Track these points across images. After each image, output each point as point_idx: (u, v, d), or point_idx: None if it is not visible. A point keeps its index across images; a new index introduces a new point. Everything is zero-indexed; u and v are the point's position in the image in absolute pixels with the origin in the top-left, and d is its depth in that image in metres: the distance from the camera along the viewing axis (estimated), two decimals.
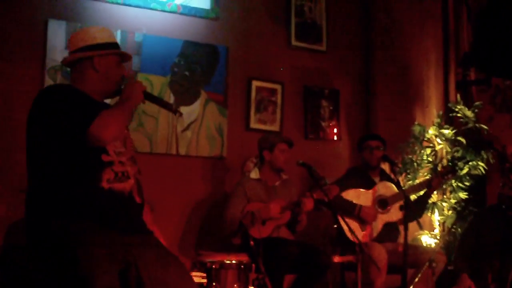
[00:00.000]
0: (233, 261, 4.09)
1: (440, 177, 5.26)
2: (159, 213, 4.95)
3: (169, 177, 5.46)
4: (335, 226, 5.04)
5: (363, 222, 5.15)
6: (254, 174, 5.13)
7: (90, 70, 2.90)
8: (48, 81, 4.90)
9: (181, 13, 5.60)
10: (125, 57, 3.04)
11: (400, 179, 5.74)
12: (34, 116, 2.76)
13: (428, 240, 5.98)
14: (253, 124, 5.92)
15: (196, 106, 5.62)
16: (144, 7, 5.43)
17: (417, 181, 5.87)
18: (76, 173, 2.66)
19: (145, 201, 3.03)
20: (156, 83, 5.43)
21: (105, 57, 2.90)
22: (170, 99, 5.48)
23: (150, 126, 5.38)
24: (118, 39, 5.09)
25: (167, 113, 5.39)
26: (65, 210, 2.64)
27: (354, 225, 5.04)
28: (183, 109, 5.53)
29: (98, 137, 2.63)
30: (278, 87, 6.08)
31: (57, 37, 5.00)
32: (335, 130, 6.40)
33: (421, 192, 5.41)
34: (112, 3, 5.28)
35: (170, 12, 5.56)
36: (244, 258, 4.24)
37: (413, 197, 5.45)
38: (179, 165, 5.54)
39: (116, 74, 2.94)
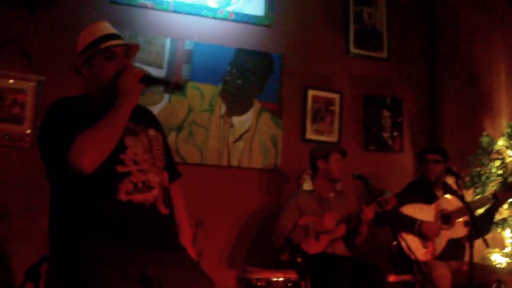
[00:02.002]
0: (280, 279, 3.88)
1: (509, 190, 4.89)
2: (209, 227, 4.74)
3: (220, 190, 5.27)
4: (394, 243, 4.81)
5: (424, 239, 4.83)
6: (307, 186, 4.90)
7: (84, 77, 2.71)
8: None
9: (233, 20, 5.45)
10: (129, 48, 2.76)
11: (469, 193, 5.38)
12: (39, 133, 2.61)
13: (498, 259, 5.56)
14: (309, 135, 5.67)
15: (249, 116, 5.42)
16: (195, 14, 5.31)
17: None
18: (90, 187, 2.46)
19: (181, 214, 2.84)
20: (207, 92, 5.26)
21: (90, 61, 2.66)
22: (222, 108, 5.31)
23: (200, 136, 5.22)
24: (167, 47, 5.09)
25: (218, 124, 5.24)
26: (79, 226, 2.46)
27: (415, 241, 4.76)
28: (235, 119, 5.36)
29: (74, 168, 2.40)
30: (336, 96, 5.81)
31: None
32: (397, 142, 6.06)
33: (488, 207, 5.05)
34: (162, 10, 5.18)
35: (222, 19, 5.41)
36: (292, 275, 4.01)
37: (479, 212, 5.07)
38: (231, 177, 5.34)
39: (106, 73, 2.64)
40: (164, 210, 2.63)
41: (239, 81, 5.41)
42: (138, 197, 2.52)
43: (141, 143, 2.65)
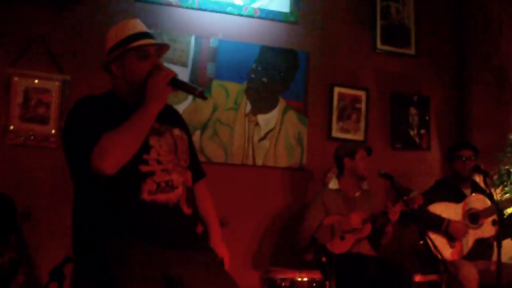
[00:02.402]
0: (305, 279, 3.84)
1: None
2: (233, 227, 4.70)
3: (245, 189, 5.23)
4: (421, 242, 4.73)
5: (451, 238, 4.76)
6: (333, 185, 4.83)
7: (113, 75, 2.67)
8: None
9: (258, 17, 5.40)
10: (160, 47, 2.73)
11: (497, 191, 5.26)
12: (63, 132, 2.60)
13: None
14: (335, 133, 5.60)
15: (274, 114, 5.37)
16: (220, 12, 5.27)
17: None
18: (113, 186, 2.44)
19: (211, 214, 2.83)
20: (232, 90, 5.23)
21: (121, 58, 2.62)
22: (247, 106, 5.27)
23: (225, 135, 5.19)
24: (191, 45, 5.06)
25: (243, 122, 5.21)
26: (102, 225, 2.44)
27: (442, 241, 4.69)
28: (260, 117, 5.32)
29: (97, 169, 2.37)
30: (362, 93, 5.74)
31: None
32: (425, 140, 5.97)
33: None
34: (187, 8, 5.16)
35: (247, 16, 5.37)
36: (317, 275, 3.96)
37: (509, 211, 4.97)
38: (256, 176, 5.30)
39: (139, 72, 2.60)
40: (187, 210, 2.60)
41: (264, 79, 5.36)
42: (161, 197, 2.50)
43: (165, 143, 2.62)
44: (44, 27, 4.77)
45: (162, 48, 2.77)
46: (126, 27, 2.67)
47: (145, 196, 2.46)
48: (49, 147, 4.67)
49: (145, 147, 2.52)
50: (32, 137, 4.62)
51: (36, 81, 4.67)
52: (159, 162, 2.54)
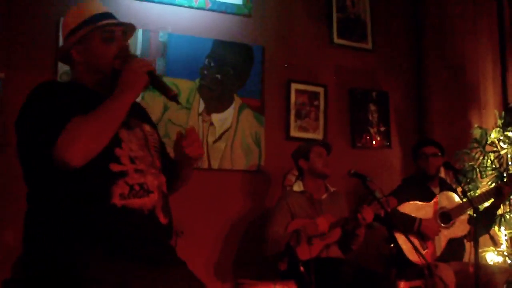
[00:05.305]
0: None
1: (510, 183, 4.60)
2: (190, 236, 4.33)
3: (201, 195, 4.80)
4: (392, 245, 4.48)
5: (423, 239, 4.51)
6: (298, 187, 4.51)
7: (74, 62, 2.33)
8: None
9: (210, 9, 5.01)
10: (125, 27, 2.42)
11: (458, 189, 5.07)
12: (18, 120, 2.18)
13: (494, 258, 5.27)
14: (294, 132, 5.26)
15: (229, 113, 4.99)
16: (169, 3, 4.86)
17: (479, 191, 5.19)
18: (78, 188, 2.06)
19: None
20: (184, 88, 4.82)
21: (83, 42, 2.29)
22: (200, 105, 4.87)
23: None
24: (139, 39, 4.64)
25: (197, 122, 4.84)
26: (67, 235, 2.04)
27: (414, 242, 4.40)
28: (215, 117, 4.93)
29: (62, 159, 2.01)
30: (320, 90, 5.43)
31: None
32: (385, 137, 5.72)
33: (487, 203, 4.79)
34: None
35: (198, 8, 4.97)
36: (292, 286, 3.61)
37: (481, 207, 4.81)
38: (212, 181, 4.89)
39: (104, 55, 2.28)
40: (163, 220, 2.24)
41: (217, 75, 4.98)
42: (135, 202, 2.14)
43: (135, 137, 2.27)
44: None
45: (128, 33, 2.47)
46: (88, 7, 2.36)
47: (116, 200, 2.09)
48: None
49: (116, 141, 2.16)
50: None
51: None
52: (132, 160, 2.17)
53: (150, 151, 2.30)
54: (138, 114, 2.40)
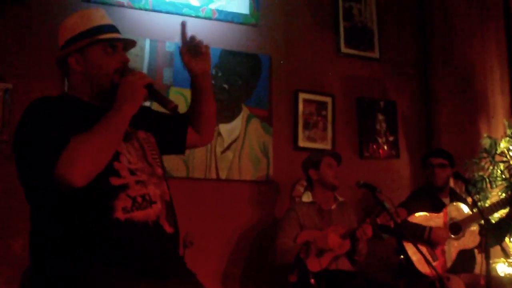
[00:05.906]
0: None
1: None
2: (198, 246, 4.27)
3: (209, 205, 4.78)
4: (401, 256, 4.42)
5: (433, 248, 4.44)
6: (307, 197, 4.47)
7: (71, 70, 2.27)
8: None
9: (216, 19, 4.98)
10: (125, 42, 2.37)
11: (468, 199, 5.02)
12: (16, 139, 2.12)
13: (505, 269, 5.20)
14: (302, 143, 5.21)
15: (237, 123, 4.95)
16: (176, 13, 4.82)
17: (488, 201, 5.12)
18: (81, 205, 2.02)
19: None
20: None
21: (83, 51, 2.24)
22: None
23: None
24: (147, 50, 4.60)
25: None
26: (72, 253, 2.00)
27: (424, 253, 4.35)
28: (223, 127, 4.89)
29: (64, 181, 1.95)
30: (328, 99, 5.39)
31: None
32: (393, 147, 5.67)
33: (497, 214, 4.74)
34: (140, 9, 4.71)
35: (205, 18, 4.94)
36: None
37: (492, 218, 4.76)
38: (220, 191, 4.85)
39: (104, 67, 2.24)
40: (169, 229, 2.19)
41: (225, 85, 4.95)
42: (139, 215, 2.09)
43: (133, 149, 2.23)
44: None
45: (128, 45, 2.41)
46: (93, 17, 2.30)
47: (119, 214, 2.05)
48: None
49: (114, 154, 2.11)
50: None
51: None
52: (131, 172, 2.14)
53: (147, 159, 2.26)
54: (133, 119, 2.29)
